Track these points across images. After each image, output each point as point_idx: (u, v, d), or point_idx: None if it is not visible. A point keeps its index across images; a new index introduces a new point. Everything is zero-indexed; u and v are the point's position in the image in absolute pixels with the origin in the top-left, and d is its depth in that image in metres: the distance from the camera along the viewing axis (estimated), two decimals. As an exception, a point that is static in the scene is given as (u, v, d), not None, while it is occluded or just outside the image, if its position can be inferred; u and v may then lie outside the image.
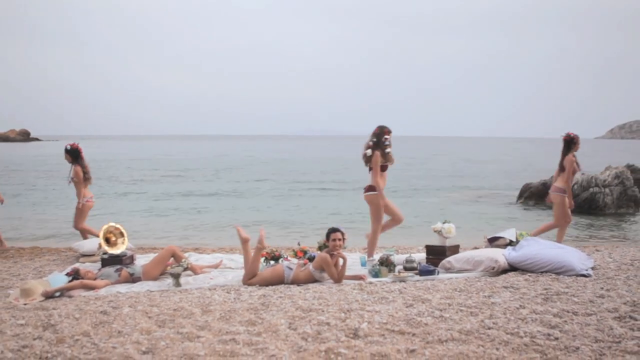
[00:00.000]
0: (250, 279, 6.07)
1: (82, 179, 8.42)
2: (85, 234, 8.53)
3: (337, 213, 15.20)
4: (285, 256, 6.78)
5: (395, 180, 27.31)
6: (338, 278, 5.98)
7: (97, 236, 8.07)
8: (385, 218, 7.11)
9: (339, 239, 6.05)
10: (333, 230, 6.14)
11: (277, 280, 6.03)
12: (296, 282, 6.00)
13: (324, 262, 5.94)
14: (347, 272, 6.44)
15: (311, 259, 6.52)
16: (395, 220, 7.26)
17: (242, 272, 6.28)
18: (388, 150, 7.04)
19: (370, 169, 7.04)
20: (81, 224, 8.51)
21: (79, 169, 8.43)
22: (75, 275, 6.24)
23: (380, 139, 7.02)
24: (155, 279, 6.50)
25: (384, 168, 7.08)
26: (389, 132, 7.07)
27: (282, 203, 18.12)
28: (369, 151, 7.02)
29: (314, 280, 6.04)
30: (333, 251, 6.07)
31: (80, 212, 8.49)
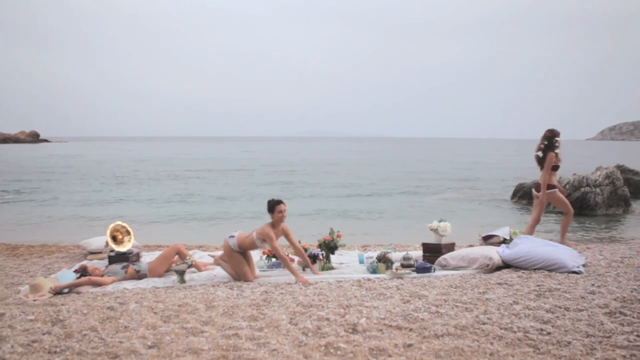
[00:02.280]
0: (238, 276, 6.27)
1: None
2: None
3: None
4: (287, 254, 6.88)
5: (393, 180, 27.40)
6: (282, 256, 6.13)
7: None
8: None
9: (281, 212, 6.18)
10: (277, 202, 6.22)
11: (228, 250, 6.22)
12: (242, 247, 6.21)
13: (266, 235, 6.12)
14: (344, 270, 6.54)
15: (312, 256, 6.63)
16: (569, 214, 8.05)
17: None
18: (557, 151, 7.64)
19: (542, 168, 7.64)
20: None
21: None
22: (83, 272, 6.34)
23: (551, 141, 7.65)
24: (160, 275, 6.61)
25: (555, 168, 7.71)
26: (558, 134, 7.69)
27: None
28: (540, 153, 7.67)
29: (257, 247, 6.30)
30: (278, 223, 6.23)
31: None
